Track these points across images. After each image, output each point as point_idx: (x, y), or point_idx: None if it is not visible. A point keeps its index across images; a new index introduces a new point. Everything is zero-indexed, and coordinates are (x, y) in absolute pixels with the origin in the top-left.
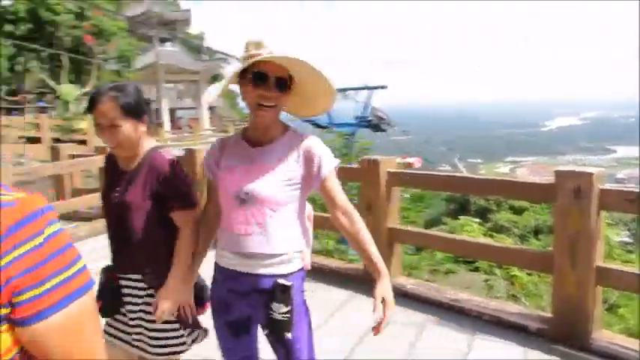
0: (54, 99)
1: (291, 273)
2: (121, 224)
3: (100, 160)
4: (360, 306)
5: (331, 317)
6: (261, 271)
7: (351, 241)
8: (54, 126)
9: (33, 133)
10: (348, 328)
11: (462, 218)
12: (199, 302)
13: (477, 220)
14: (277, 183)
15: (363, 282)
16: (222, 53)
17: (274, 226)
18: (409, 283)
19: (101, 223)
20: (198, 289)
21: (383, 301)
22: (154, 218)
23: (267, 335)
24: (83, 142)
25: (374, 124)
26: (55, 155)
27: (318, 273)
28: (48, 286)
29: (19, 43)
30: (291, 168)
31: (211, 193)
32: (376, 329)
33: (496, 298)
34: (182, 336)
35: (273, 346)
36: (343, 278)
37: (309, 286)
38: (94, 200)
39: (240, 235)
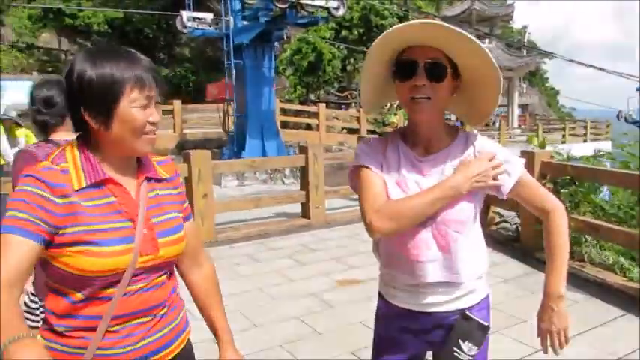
0: None
1: (477, 303)
2: None
3: None
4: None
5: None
6: (449, 307)
7: (548, 255)
8: (372, 119)
9: (353, 125)
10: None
11: None
12: None
13: None
14: (463, 199)
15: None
16: (540, 50)
17: (459, 250)
18: None
19: None
20: None
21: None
22: None
23: None
24: None
25: None
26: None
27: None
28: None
29: (350, 46)
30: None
31: (376, 181)
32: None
33: None
34: None
35: None
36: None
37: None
38: None
39: (417, 261)
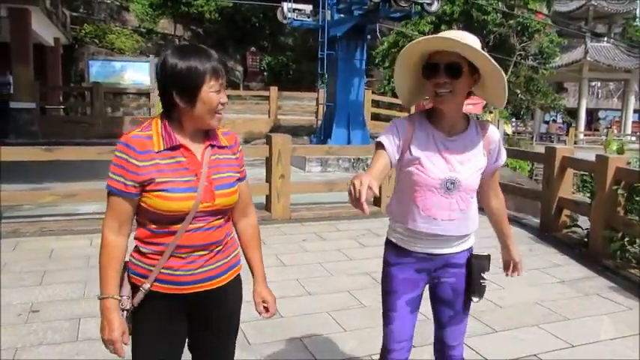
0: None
1: (472, 245)
2: None
3: None
4: None
5: None
6: (457, 249)
7: (496, 223)
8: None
9: None
10: None
11: None
12: None
13: None
14: (475, 172)
15: None
16: None
17: (470, 210)
18: None
19: None
20: None
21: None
22: None
23: (455, 300)
24: None
25: None
26: None
27: None
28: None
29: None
30: (480, 157)
31: (382, 162)
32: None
33: None
34: None
35: (442, 311)
36: None
37: None
38: None
39: (442, 220)
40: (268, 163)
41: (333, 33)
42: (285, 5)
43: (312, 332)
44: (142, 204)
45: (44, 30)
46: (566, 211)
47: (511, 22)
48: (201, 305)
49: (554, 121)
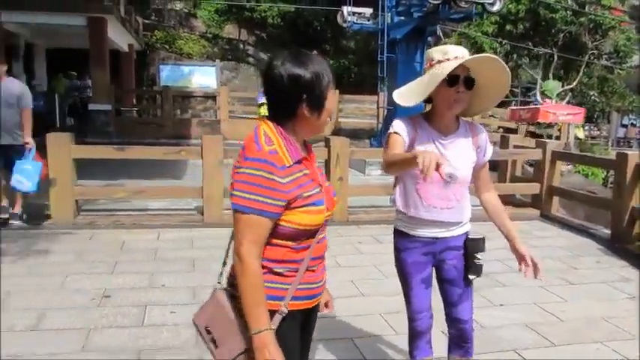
0: (540, 94)
1: (468, 230)
2: None
3: (536, 154)
4: None
5: None
6: (455, 233)
7: (494, 213)
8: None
9: (511, 125)
10: None
11: None
12: None
13: None
14: (469, 166)
15: None
16: None
17: (464, 200)
18: None
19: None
20: None
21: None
22: None
23: (459, 279)
24: (558, 138)
25: None
26: (504, 144)
27: None
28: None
29: (512, 43)
30: (471, 153)
31: (400, 142)
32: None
33: None
34: None
35: (450, 290)
36: None
37: None
38: (527, 189)
39: (442, 208)
40: (327, 165)
41: (392, 36)
42: (345, 9)
43: (363, 333)
44: (283, 222)
45: (119, 37)
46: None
47: (582, 19)
48: (314, 312)
49: (634, 124)
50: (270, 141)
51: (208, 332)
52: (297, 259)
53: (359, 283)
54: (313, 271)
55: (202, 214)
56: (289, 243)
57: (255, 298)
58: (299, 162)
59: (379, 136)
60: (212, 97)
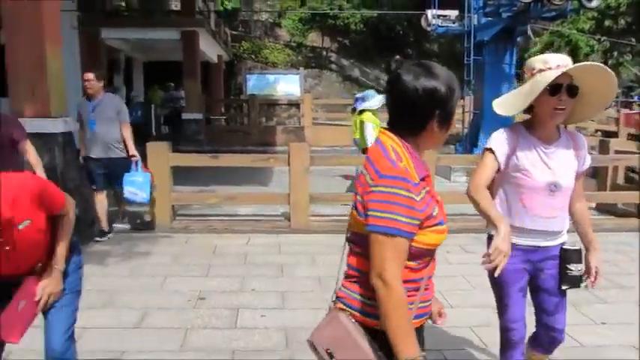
0: None
1: (565, 241)
2: None
3: None
4: None
5: None
6: (556, 242)
7: (578, 223)
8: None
9: (611, 127)
10: None
11: None
12: None
13: None
14: (571, 175)
15: None
16: None
17: (567, 209)
18: None
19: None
20: None
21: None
22: None
23: (556, 288)
24: None
25: None
26: (604, 149)
27: None
28: None
29: (612, 39)
30: (573, 162)
31: (491, 166)
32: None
33: None
34: None
35: (547, 299)
36: None
37: None
38: (631, 197)
39: (547, 218)
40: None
41: (479, 38)
42: (430, 12)
43: (452, 346)
44: (412, 242)
45: (209, 48)
46: None
47: None
48: (422, 329)
49: None
50: (399, 157)
51: (330, 355)
52: (416, 279)
53: (447, 294)
54: (427, 289)
55: (289, 220)
56: (412, 263)
57: (406, 325)
58: (423, 179)
59: (464, 142)
60: (296, 104)
